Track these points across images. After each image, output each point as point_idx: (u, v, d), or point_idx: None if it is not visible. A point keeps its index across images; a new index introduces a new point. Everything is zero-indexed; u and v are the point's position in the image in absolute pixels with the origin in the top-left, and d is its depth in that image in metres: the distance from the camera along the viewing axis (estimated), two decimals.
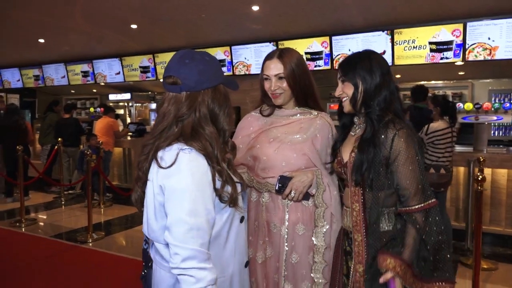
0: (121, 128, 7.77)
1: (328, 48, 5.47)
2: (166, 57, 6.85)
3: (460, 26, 4.77)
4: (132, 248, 4.54)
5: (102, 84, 8.20)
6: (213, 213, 1.20)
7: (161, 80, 7.08)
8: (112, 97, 10.69)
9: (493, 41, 4.65)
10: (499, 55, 4.64)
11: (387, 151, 1.43)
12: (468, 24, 4.73)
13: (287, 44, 5.74)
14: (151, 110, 10.70)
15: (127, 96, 10.50)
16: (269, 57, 1.76)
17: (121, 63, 7.46)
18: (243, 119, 1.93)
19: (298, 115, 1.81)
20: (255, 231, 1.77)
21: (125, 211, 6.07)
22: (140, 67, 7.24)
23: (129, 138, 7.50)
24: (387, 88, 1.50)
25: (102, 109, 8.93)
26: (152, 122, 10.16)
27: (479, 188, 3.13)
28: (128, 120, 10.24)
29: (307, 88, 1.77)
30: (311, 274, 1.70)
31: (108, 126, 6.83)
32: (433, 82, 7.97)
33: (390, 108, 1.50)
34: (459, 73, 7.12)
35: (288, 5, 4.62)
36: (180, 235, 1.15)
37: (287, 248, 1.70)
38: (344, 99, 1.57)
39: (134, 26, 5.69)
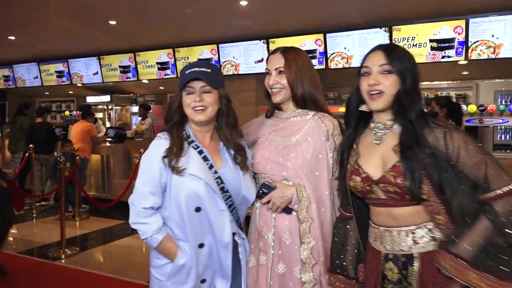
0: (101, 134, 7.73)
1: (323, 46, 5.52)
2: (148, 55, 6.86)
3: (462, 23, 4.84)
4: (110, 264, 4.50)
5: (79, 85, 8.17)
6: (157, 184, 1.66)
7: (143, 81, 7.08)
8: (90, 99, 10.64)
9: (497, 38, 4.72)
10: (503, 53, 4.72)
11: (444, 153, 1.34)
12: (471, 20, 4.80)
13: (279, 42, 5.78)
14: (133, 114, 10.67)
15: (106, 98, 10.46)
16: (273, 52, 1.84)
17: (99, 63, 7.45)
18: (247, 124, 2.02)
19: (297, 117, 1.82)
20: (249, 234, 1.85)
21: (103, 224, 6.02)
22: (120, 66, 7.23)
23: (108, 144, 7.46)
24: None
25: (78, 112, 8.89)
26: (134, 126, 10.13)
27: None
28: (108, 124, 10.19)
29: (309, 89, 1.78)
30: None
31: (85, 131, 6.78)
32: (435, 82, 8.05)
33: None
34: (463, 73, 7.21)
35: (279, 0, 4.65)
36: (132, 198, 1.75)
37: (273, 256, 1.74)
38: (376, 92, 1.42)
39: (113, 22, 5.69)
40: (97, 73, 7.57)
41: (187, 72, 1.68)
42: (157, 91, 10.64)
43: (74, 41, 6.79)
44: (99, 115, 10.83)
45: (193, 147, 1.70)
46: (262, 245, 1.77)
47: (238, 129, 1.80)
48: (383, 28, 5.20)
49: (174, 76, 6.70)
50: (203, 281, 1.73)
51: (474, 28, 4.79)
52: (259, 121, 1.97)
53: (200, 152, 1.70)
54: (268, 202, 1.73)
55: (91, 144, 6.89)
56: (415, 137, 1.37)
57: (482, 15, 4.76)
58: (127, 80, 7.27)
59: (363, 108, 1.51)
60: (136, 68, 7.06)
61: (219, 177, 1.70)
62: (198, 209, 1.66)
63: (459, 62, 5.10)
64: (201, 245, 1.70)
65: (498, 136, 7.44)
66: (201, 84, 1.65)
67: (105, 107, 11.07)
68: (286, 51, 1.80)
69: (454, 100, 7.48)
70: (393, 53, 1.45)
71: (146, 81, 7.48)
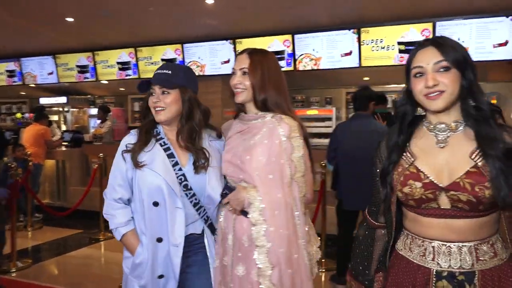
0: (56, 137, 7.42)
1: (291, 47, 5.50)
2: (108, 55, 6.64)
3: (429, 26, 4.94)
4: (65, 277, 4.29)
5: (32, 85, 7.82)
6: (124, 177, 1.81)
7: (102, 82, 6.87)
8: (44, 100, 10.25)
9: (463, 42, 4.84)
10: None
11: None
12: (438, 23, 4.91)
13: (246, 42, 5.73)
14: (91, 116, 10.34)
15: (62, 99, 10.10)
16: (241, 52, 1.88)
17: (55, 62, 7.15)
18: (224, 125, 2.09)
19: (258, 119, 1.82)
20: (217, 235, 1.88)
21: (58, 234, 5.76)
22: (77, 66, 6.97)
23: (63, 148, 7.18)
24: None
25: (31, 114, 8.52)
26: (92, 130, 9.82)
27: None
28: (64, 127, 9.83)
29: (271, 94, 1.79)
30: None
31: (39, 135, 6.49)
32: (403, 85, 8.22)
33: None
34: None
35: None
36: (105, 190, 1.87)
37: (232, 258, 1.77)
38: (436, 93, 1.29)
39: (70, 19, 5.46)
40: (52, 72, 7.26)
41: (154, 74, 1.83)
42: (117, 92, 10.36)
43: (27, 38, 6.50)
44: (54, 117, 10.45)
45: (160, 144, 1.81)
46: (226, 246, 1.80)
47: (201, 132, 1.86)
48: (352, 30, 5.24)
49: (136, 76, 6.51)
50: (160, 276, 1.79)
51: (441, 31, 4.91)
52: (229, 124, 2.01)
53: (167, 149, 1.80)
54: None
55: (45, 149, 6.60)
56: (495, 139, 1.24)
57: (448, 19, 4.88)
58: (85, 80, 7.01)
59: (420, 112, 1.39)
60: (95, 68, 6.82)
61: (183, 175, 1.79)
62: (156, 204, 1.76)
63: None
64: (159, 239, 1.78)
65: None
66: (160, 86, 1.79)
67: (61, 109, 10.68)
68: (253, 53, 1.83)
69: None
70: (446, 46, 1.31)
71: (106, 82, 7.24)
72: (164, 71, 1.79)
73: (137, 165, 1.76)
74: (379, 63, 5.23)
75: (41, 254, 4.99)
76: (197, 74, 5.94)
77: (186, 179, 1.79)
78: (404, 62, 4.78)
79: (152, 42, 6.27)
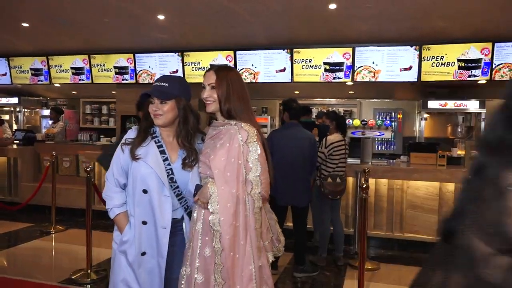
0: (7, 135, 7.01)
1: (233, 62, 5.63)
2: (62, 60, 6.40)
3: (349, 50, 5.28)
4: (14, 268, 4.11)
5: None
6: (122, 166, 1.95)
7: (56, 85, 6.59)
8: None
9: (377, 65, 5.23)
10: (381, 77, 5.23)
11: None
12: (356, 48, 5.25)
13: (192, 55, 5.78)
14: (43, 117, 9.87)
15: (14, 100, 9.53)
16: (208, 70, 2.01)
17: (8, 64, 6.77)
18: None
19: (224, 126, 1.96)
20: (190, 223, 2.00)
21: (8, 228, 5.48)
22: (31, 69, 6.64)
23: (15, 146, 6.81)
24: None
25: None
26: (44, 130, 9.36)
27: (364, 195, 3.48)
28: (15, 126, 9.28)
29: (234, 104, 1.93)
30: (212, 275, 1.84)
31: None
32: (327, 99, 8.66)
33: None
34: (349, 92, 7.85)
35: (194, 16, 4.66)
36: (106, 174, 2.02)
37: (200, 242, 1.88)
38: None
39: (25, 25, 5.23)
40: (5, 74, 6.86)
41: (153, 85, 1.97)
42: (70, 95, 9.97)
43: None
44: (5, 117, 9.85)
45: (155, 141, 1.96)
46: (194, 232, 1.92)
47: (195, 135, 2.03)
48: (286, 50, 5.46)
49: (89, 81, 6.33)
50: (143, 253, 1.94)
51: (359, 55, 5.25)
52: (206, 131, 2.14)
53: (160, 146, 1.96)
54: None
55: None
56: None
57: (365, 45, 5.24)
58: (38, 83, 6.69)
59: None
60: (48, 72, 6.54)
61: (170, 169, 1.95)
62: (145, 191, 1.92)
63: (346, 83, 5.54)
64: (144, 222, 1.93)
65: (376, 146, 8.21)
66: (156, 96, 1.93)
67: (12, 109, 10.08)
68: (219, 70, 1.96)
69: (342, 114, 8.10)
70: None
71: (58, 85, 6.96)
72: (162, 83, 1.93)
73: (133, 157, 1.92)
74: (308, 80, 5.49)
75: None
76: (147, 81, 5.93)
77: (173, 173, 1.95)
78: (328, 80, 5.05)
79: (106, 50, 6.13)
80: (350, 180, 4.98)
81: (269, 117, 8.36)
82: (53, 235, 5.26)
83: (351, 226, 5.00)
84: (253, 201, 1.84)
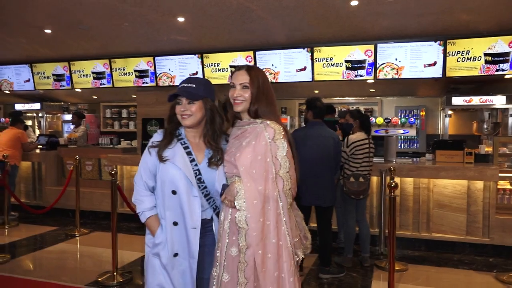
0: (30, 139, 7.15)
1: (253, 62, 5.61)
2: (84, 65, 6.50)
3: (371, 47, 5.20)
4: (41, 271, 4.16)
5: (7, 92, 7.50)
6: (150, 169, 1.99)
7: (77, 89, 6.70)
8: (18, 107, 9.84)
9: (400, 61, 5.14)
10: (405, 74, 5.13)
11: None
12: (379, 45, 5.17)
13: (212, 57, 5.79)
14: (64, 122, 10.04)
15: (36, 106, 9.74)
16: (238, 68, 2.03)
17: (31, 70, 6.90)
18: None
19: (249, 125, 1.99)
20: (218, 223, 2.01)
21: (34, 231, 5.58)
22: (53, 74, 6.76)
23: (39, 151, 6.94)
24: None
25: (7, 119, 8.16)
26: (66, 134, 9.53)
27: (392, 194, 3.40)
28: (37, 131, 9.48)
29: (263, 104, 1.96)
30: (236, 274, 1.86)
31: (15, 138, 6.28)
32: (347, 98, 8.56)
33: None
34: (370, 90, 7.74)
35: (213, 18, 4.66)
36: (134, 178, 2.05)
37: (227, 241, 1.90)
38: None
39: (48, 31, 5.32)
40: (29, 80, 7.00)
41: (178, 87, 1.99)
42: (90, 100, 10.12)
43: (4, 48, 6.25)
44: (28, 122, 10.06)
45: (181, 143, 1.99)
46: (221, 232, 1.94)
47: (221, 135, 2.05)
48: (306, 49, 5.41)
49: (110, 85, 6.40)
50: (175, 254, 1.96)
51: (382, 52, 5.17)
52: (230, 131, 2.15)
53: (186, 148, 1.99)
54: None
55: (21, 151, 6.38)
56: None
57: (387, 41, 5.15)
58: (61, 88, 6.81)
59: None
60: (70, 77, 6.64)
61: (198, 170, 1.97)
62: (174, 192, 1.94)
63: (367, 81, 5.46)
64: (175, 223, 1.96)
65: (399, 145, 8.07)
66: (185, 97, 1.96)
67: (35, 114, 10.29)
68: (250, 69, 1.99)
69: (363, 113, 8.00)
70: None
71: (79, 90, 7.07)
72: (189, 84, 1.97)
73: (161, 159, 1.95)
74: (329, 78, 5.43)
75: (18, 250, 4.81)
76: (167, 84, 5.97)
77: (200, 174, 1.98)
78: (350, 78, 5.00)
79: (126, 54, 6.19)
80: (374, 179, 4.90)
81: (288, 117, 8.31)
82: (78, 238, 5.33)
83: (376, 226, 4.91)
84: (285, 197, 1.86)
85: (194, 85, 1.97)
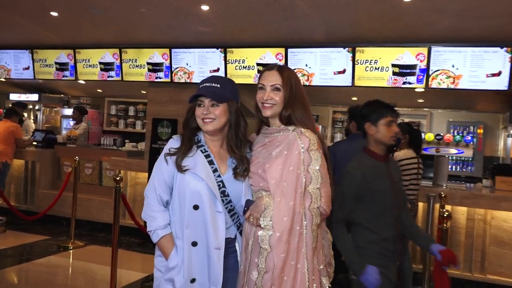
0: (27, 136, 7.31)
1: (283, 61, 5.59)
2: (90, 54, 6.60)
3: (424, 50, 5.11)
4: (27, 286, 4.20)
5: (3, 80, 7.68)
6: (165, 180, 1.98)
7: (80, 81, 6.79)
8: (13, 97, 10.07)
9: (457, 69, 5.03)
10: (462, 84, 5.03)
11: None
12: (433, 48, 5.09)
13: (237, 52, 5.80)
14: (64, 117, 10.24)
15: (34, 97, 9.95)
16: (268, 68, 2.05)
17: (32, 56, 7.06)
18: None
19: (280, 132, 2.01)
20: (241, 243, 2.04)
21: (22, 240, 5.66)
22: (56, 63, 6.89)
23: (33, 148, 7.07)
24: None
25: (1, 110, 8.36)
26: (64, 131, 9.70)
27: (444, 225, 3.31)
28: (33, 126, 9.66)
29: (297, 110, 1.98)
30: None
31: (9, 132, 6.41)
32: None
33: None
34: (418, 101, 7.63)
35: (243, 8, 4.68)
36: (146, 190, 2.03)
37: (250, 262, 1.91)
38: None
39: (54, 14, 5.43)
40: (28, 68, 7.15)
41: (200, 86, 1.98)
42: (94, 93, 10.30)
43: (4, 30, 6.41)
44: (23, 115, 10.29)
45: (201, 150, 1.99)
46: (247, 252, 1.95)
47: (246, 142, 2.06)
48: (347, 48, 5.36)
49: (119, 78, 6.47)
50: (193, 280, 1.92)
51: (436, 57, 5.08)
52: (252, 139, 2.16)
53: (207, 156, 1.98)
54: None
55: (14, 148, 6.50)
56: None
57: (444, 45, 5.06)
58: (63, 79, 6.92)
59: None
60: (75, 67, 6.75)
61: (221, 181, 1.96)
62: (196, 207, 1.91)
63: (416, 90, 5.36)
64: (194, 244, 1.92)
65: (450, 166, 7.91)
66: (209, 98, 1.94)
67: (31, 106, 10.52)
68: (282, 70, 2.01)
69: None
70: None
71: (83, 82, 7.18)
72: (213, 84, 1.96)
73: (180, 169, 1.93)
74: (372, 84, 5.36)
75: (3, 260, 4.87)
76: (183, 81, 6.01)
77: (224, 186, 1.97)
78: (397, 85, 4.91)
79: (139, 44, 6.26)
80: (420, 205, 4.80)
81: (320, 126, 8.26)
82: (71, 251, 5.38)
83: (419, 262, 4.80)
84: (311, 216, 1.88)
85: (219, 85, 1.97)
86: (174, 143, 2.01)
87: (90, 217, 6.31)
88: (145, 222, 2.06)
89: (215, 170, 1.96)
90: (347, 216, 2.44)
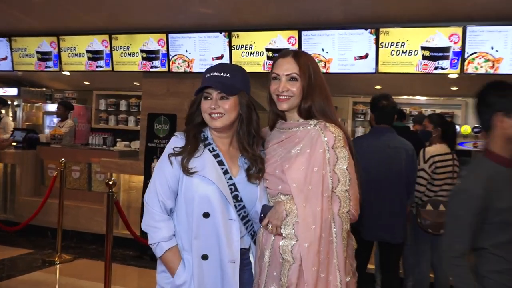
0: (7, 135, 7.35)
1: (296, 45, 5.56)
2: (76, 41, 6.62)
3: (458, 30, 5.07)
4: None
5: None
6: (169, 185, 1.95)
7: (65, 73, 6.80)
8: None
9: (497, 51, 4.99)
10: (503, 68, 4.98)
11: None
12: (468, 28, 5.04)
13: (243, 36, 5.79)
14: (47, 113, 10.28)
15: (12, 91, 10.02)
16: (282, 55, 2.05)
17: (10, 45, 7.09)
18: None
19: (299, 127, 2.01)
20: (255, 254, 2.05)
21: (2, 254, 5.70)
22: (38, 52, 6.92)
23: (13, 150, 7.11)
24: None
25: None
26: (47, 129, 9.74)
27: None
28: (13, 124, 9.72)
29: (317, 100, 1.97)
30: None
31: None
32: (417, 97, 8.41)
33: None
34: (452, 89, 7.57)
35: None
36: (146, 197, 2.02)
37: (267, 277, 1.92)
38: None
39: None
40: (6, 58, 7.19)
41: (206, 76, 1.96)
42: (80, 86, 10.34)
43: None
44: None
45: (209, 149, 1.98)
46: (262, 264, 1.96)
47: (259, 139, 2.05)
48: (369, 30, 5.33)
49: (109, 68, 6.49)
50: None
51: (472, 37, 5.03)
52: (263, 135, 2.17)
53: (216, 156, 1.97)
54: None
55: None
56: None
57: (481, 23, 5.01)
58: (46, 70, 6.95)
59: None
60: (59, 56, 6.77)
61: (233, 184, 1.95)
62: (206, 215, 1.90)
63: (449, 76, 5.32)
64: (204, 257, 1.91)
65: None
66: (218, 90, 1.92)
67: (9, 102, 10.58)
68: (298, 56, 2.01)
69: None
70: None
71: (68, 73, 7.21)
72: (222, 73, 1.94)
73: (187, 171, 1.91)
74: (399, 70, 5.32)
75: None
76: (182, 70, 6.02)
77: (236, 190, 1.95)
78: (428, 71, 4.89)
79: (132, 29, 6.27)
80: None
81: (339, 119, 8.24)
82: (58, 266, 5.41)
83: None
84: (341, 222, 1.89)
85: (228, 74, 1.95)
86: (177, 141, 1.99)
87: (78, 227, 6.34)
88: (141, 232, 2.07)
89: (225, 172, 1.95)
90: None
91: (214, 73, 1.94)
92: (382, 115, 3.88)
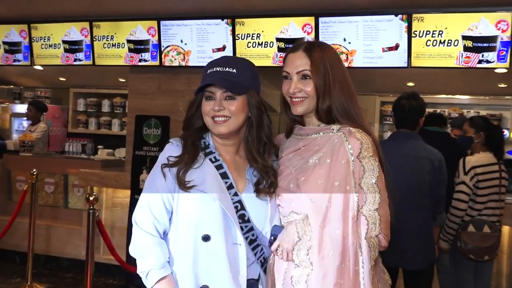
0: None
1: (313, 34, 5.57)
2: (51, 30, 6.65)
3: (508, 16, 5.06)
4: None
5: None
6: (162, 201, 1.94)
7: (37, 67, 6.86)
8: None
9: None
10: None
11: None
12: None
13: (249, 23, 5.80)
14: (15, 115, 10.31)
15: None
16: (293, 49, 2.06)
17: None
18: None
19: (319, 133, 1.99)
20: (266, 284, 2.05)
21: None
22: (4, 43, 6.97)
23: None
24: None
25: None
26: (15, 135, 9.78)
27: None
28: None
29: (338, 99, 1.96)
30: None
31: None
32: (457, 96, 8.39)
33: None
34: (500, 86, 7.55)
35: None
36: (135, 215, 2.00)
37: None
38: None
39: None
40: None
41: (208, 72, 1.96)
42: (55, 83, 10.41)
43: None
44: None
45: (210, 159, 1.97)
46: None
47: (272, 147, 2.05)
48: (400, 16, 5.33)
49: (89, 62, 6.50)
50: None
51: None
52: (278, 142, 2.18)
53: (219, 167, 1.96)
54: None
55: None
56: None
57: None
58: (14, 64, 7.00)
59: None
60: (30, 47, 6.81)
61: (239, 201, 1.94)
62: (206, 238, 1.89)
63: (496, 70, 5.32)
64: None
65: None
66: (223, 88, 1.92)
67: None
68: (310, 49, 2.00)
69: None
70: None
71: (40, 68, 7.24)
72: (227, 68, 1.94)
73: (184, 185, 1.90)
74: (435, 64, 5.32)
75: None
76: (177, 64, 6.05)
77: (243, 208, 1.95)
78: (470, 65, 4.89)
79: (116, 15, 6.30)
80: (505, 230, 4.76)
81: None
82: None
83: None
84: (368, 249, 1.86)
85: (235, 70, 1.96)
86: (173, 150, 1.99)
87: (53, 251, 6.34)
88: (128, 257, 2.07)
89: (230, 187, 1.94)
90: None
91: (218, 68, 1.94)
92: (401, 117, 3.87)
